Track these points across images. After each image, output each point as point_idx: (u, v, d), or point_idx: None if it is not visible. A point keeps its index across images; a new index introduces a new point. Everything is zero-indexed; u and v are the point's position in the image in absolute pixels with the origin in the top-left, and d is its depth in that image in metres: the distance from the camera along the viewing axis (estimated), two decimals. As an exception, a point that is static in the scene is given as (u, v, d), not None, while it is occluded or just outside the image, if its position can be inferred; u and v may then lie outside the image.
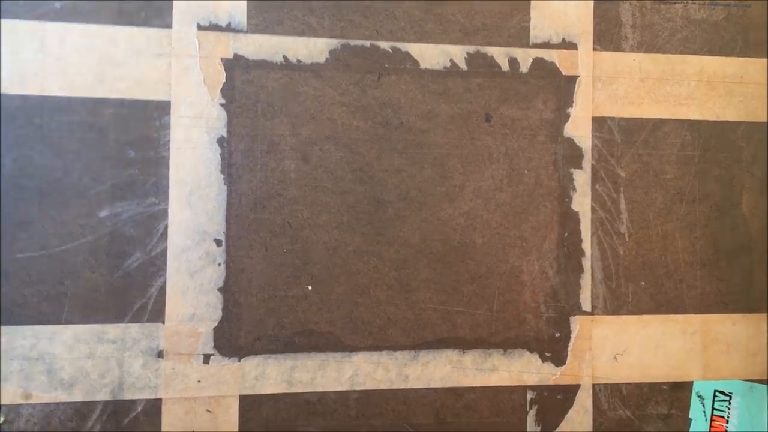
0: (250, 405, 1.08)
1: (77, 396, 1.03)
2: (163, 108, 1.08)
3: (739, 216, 1.26)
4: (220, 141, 1.10)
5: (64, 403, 1.03)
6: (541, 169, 1.19)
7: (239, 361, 1.08)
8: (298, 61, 1.12)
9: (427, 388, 1.13)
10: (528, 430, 1.16)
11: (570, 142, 1.20)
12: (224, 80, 1.10)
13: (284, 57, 1.12)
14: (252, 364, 1.08)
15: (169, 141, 1.08)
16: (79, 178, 1.06)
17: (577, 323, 1.19)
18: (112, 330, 1.05)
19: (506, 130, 1.19)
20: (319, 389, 1.10)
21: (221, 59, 1.10)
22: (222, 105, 1.10)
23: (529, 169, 1.19)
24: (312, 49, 1.13)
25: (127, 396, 1.04)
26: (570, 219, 1.20)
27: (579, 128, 1.21)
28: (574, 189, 1.20)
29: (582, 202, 1.20)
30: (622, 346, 1.20)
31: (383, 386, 1.12)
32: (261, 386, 1.08)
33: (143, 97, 1.08)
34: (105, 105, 1.07)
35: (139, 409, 1.04)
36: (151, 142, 1.08)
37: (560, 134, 1.20)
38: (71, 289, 1.04)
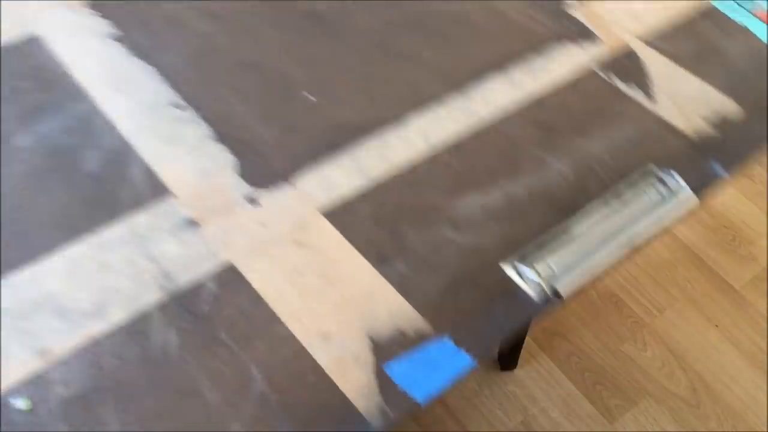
0: (341, 216, 0.77)
1: (117, 315, 0.66)
2: (34, 42, 0.89)
3: None
4: (113, 36, 0.91)
5: (104, 335, 0.65)
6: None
7: (289, 183, 0.79)
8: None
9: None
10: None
11: None
12: (84, -5, 0.95)
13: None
14: (306, 179, 0.79)
15: (61, 62, 0.87)
16: (-27, 125, 0.79)
17: None
18: (114, 230, 0.72)
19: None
20: (406, 163, 0.83)
21: (69, -17, 0.96)
22: (92, 10, 0.94)
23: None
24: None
25: (184, 280, 0.69)
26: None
27: None
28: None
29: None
30: None
31: (468, 130, 0.87)
32: (338, 194, 0.79)
33: (7, 42, 0.89)
34: (-37, 60, 0.85)
35: (211, 285, 0.69)
36: (41, 69, 0.86)
37: None
38: (31, 219, 0.72)
